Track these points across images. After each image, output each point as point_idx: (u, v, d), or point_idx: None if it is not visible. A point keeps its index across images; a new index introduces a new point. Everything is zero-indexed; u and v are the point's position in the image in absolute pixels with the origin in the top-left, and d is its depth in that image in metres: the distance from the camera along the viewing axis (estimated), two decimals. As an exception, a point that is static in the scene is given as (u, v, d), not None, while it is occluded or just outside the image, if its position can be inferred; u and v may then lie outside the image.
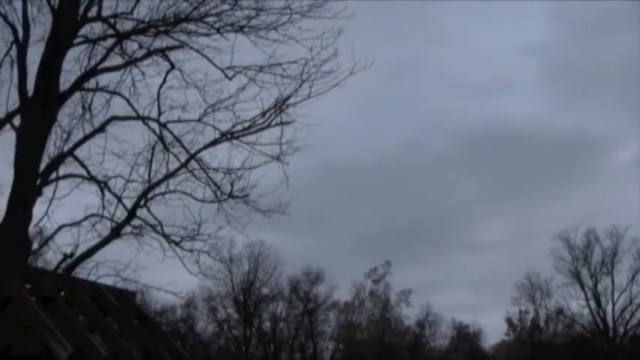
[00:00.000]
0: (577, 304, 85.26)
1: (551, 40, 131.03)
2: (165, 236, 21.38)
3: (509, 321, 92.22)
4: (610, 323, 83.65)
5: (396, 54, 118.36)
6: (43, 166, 20.32)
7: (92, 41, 20.86)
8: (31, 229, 21.06)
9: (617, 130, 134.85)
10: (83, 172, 21.49)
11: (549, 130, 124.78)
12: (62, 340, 8.29)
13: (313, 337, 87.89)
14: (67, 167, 21.44)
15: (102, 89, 21.57)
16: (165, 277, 22.02)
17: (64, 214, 21.90)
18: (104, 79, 21.52)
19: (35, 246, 23.74)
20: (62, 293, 9.75)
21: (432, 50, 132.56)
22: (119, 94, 21.39)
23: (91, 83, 21.37)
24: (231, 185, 21.27)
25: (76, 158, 21.29)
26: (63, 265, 20.62)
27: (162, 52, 21.00)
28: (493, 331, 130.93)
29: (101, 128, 21.25)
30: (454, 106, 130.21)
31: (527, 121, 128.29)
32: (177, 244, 21.39)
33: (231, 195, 21.28)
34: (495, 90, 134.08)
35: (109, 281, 18.96)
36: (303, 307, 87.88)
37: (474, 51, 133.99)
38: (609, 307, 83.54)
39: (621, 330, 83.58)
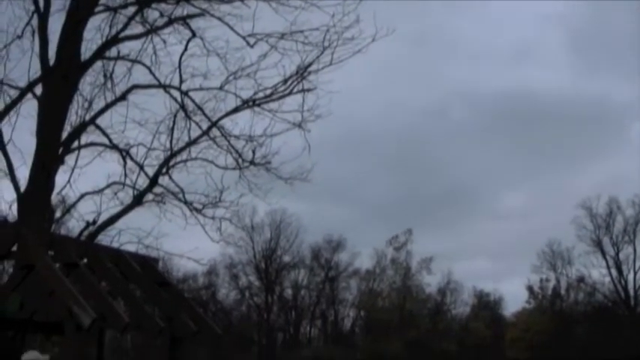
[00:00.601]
0: (598, 273, 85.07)
1: (573, 7, 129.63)
2: (187, 203, 21.48)
3: (530, 289, 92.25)
4: (631, 292, 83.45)
5: (418, 21, 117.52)
6: (65, 134, 20.45)
7: (113, 9, 20.84)
8: (54, 197, 21.22)
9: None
10: (105, 140, 21.60)
11: (572, 98, 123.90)
12: (85, 306, 8.38)
13: (334, 304, 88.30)
14: (89, 136, 21.57)
15: (123, 58, 21.58)
16: (187, 244, 22.16)
17: (86, 183, 22.06)
18: (125, 48, 21.54)
19: (58, 214, 23.95)
20: (85, 260, 9.84)
21: (453, 17, 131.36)
22: (140, 62, 21.41)
23: (112, 52, 21.40)
24: (253, 152, 21.26)
25: (98, 127, 21.38)
26: (85, 233, 20.81)
27: (184, 20, 20.96)
28: (514, 299, 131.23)
29: (122, 97, 21.29)
30: (476, 74, 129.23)
31: (550, 89, 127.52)
32: (199, 211, 21.48)
33: (252, 162, 21.28)
34: (517, 58, 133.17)
35: (131, 248, 19.08)
36: (324, 274, 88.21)
37: (496, 18, 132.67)
38: (631, 276, 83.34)
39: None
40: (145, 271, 10.26)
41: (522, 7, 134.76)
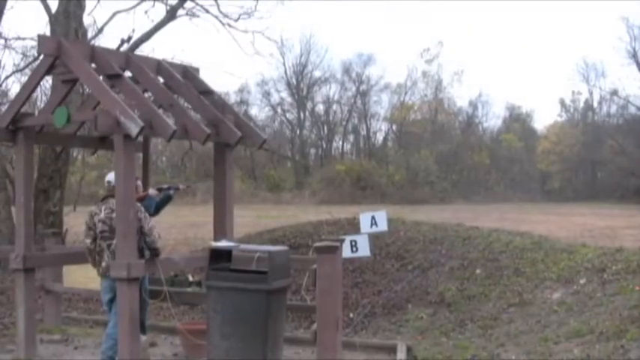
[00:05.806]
0: (633, 86, 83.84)
1: None
2: (221, 15, 21.43)
3: (562, 102, 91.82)
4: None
5: None
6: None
7: None
8: (85, 18, 21.22)
9: None
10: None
11: None
12: (132, 115, 8.54)
13: (366, 118, 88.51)
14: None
15: None
16: (220, 61, 22.32)
17: (116, 3, 22.00)
18: None
19: (90, 34, 23.96)
20: (127, 71, 9.93)
21: None
22: None
23: None
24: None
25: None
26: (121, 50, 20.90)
27: None
28: (546, 113, 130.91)
29: None
30: None
31: None
32: (233, 22, 21.43)
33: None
34: None
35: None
36: (355, 89, 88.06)
37: None
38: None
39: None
40: (187, 80, 10.37)
41: None
